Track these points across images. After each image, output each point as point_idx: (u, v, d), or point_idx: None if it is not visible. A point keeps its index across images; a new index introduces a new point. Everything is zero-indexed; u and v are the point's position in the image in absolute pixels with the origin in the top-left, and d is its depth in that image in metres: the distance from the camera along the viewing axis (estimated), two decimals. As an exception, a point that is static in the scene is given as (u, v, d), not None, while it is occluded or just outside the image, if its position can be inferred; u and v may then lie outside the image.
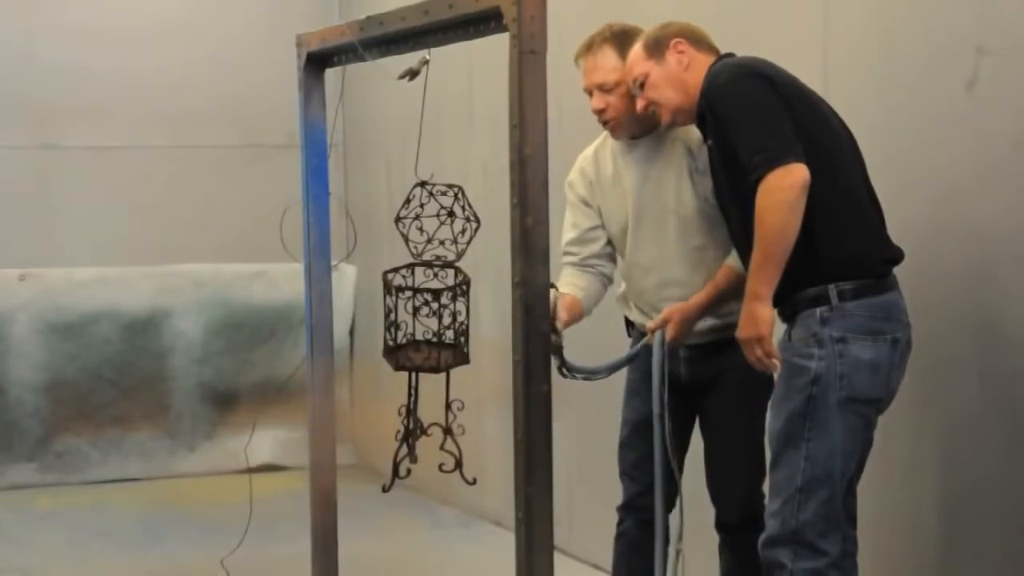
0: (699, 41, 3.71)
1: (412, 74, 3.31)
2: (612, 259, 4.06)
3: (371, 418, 7.81)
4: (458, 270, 3.26)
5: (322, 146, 3.66)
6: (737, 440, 3.95)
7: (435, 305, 3.19)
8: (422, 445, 3.30)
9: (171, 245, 7.96)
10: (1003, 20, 3.62)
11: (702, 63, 3.65)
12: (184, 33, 8.02)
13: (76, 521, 6.83)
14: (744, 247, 3.50)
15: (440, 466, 3.25)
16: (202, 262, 8.02)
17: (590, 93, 3.90)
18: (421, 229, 3.26)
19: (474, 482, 3.29)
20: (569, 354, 3.78)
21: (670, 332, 3.79)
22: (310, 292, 3.70)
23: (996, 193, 3.65)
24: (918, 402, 3.85)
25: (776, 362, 3.45)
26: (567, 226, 4.06)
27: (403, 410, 3.30)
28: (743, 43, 3.81)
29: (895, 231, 3.56)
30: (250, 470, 4.99)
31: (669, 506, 4.05)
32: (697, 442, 4.07)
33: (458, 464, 3.28)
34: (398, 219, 3.25)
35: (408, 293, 3.21)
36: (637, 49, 3.74)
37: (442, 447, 3.26)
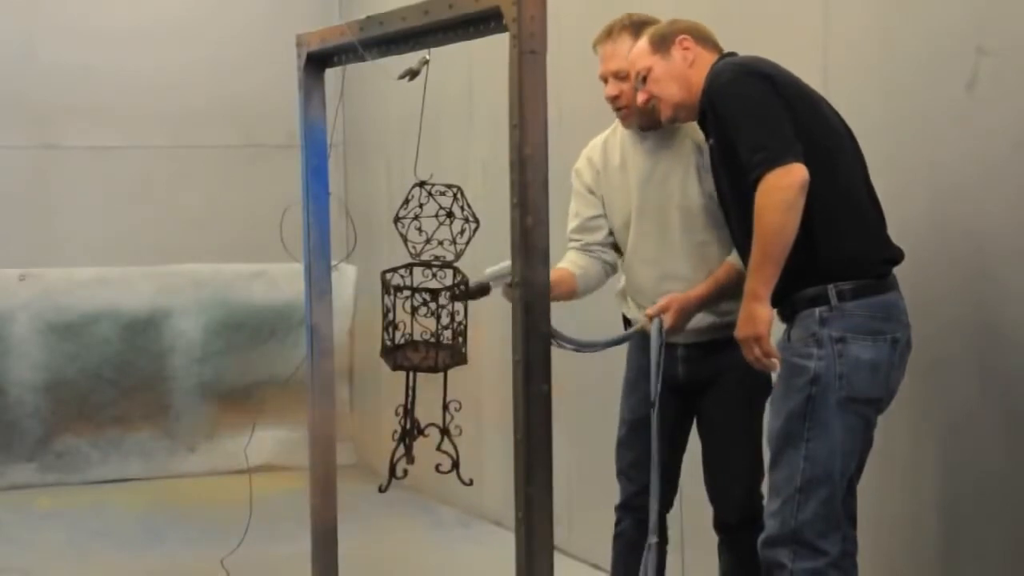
0: (704, 39, 3.72)
1: (412, 74, 3.31)
2: (615, 248, 4.05)
3: (371, 418, 7.82)
4: (456, 270, 3.26)
5: (322, 146, 3.66)
6: (735, 440, 3.94)
7: (433, 305, 3.19)
8: (420, 445, 3.30)
9: (171, 245, 7.96)
10: (1003, 20, 3.62)
11: (706, 61, 3.66)
12: (184, 33, 8.02)
13: (76, 521, 6.83)
14: (744, 246, 3.50)
15: (437, 467, 3.25)
16: (202, 262, 8.02)
17: (605, 80, 3.91)
18: (420, 229, 3.26)
19: (471, 483, 3.29)
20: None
21: (668, 320, 3.78)
22: (310, 292, 3.70)
23: (996, 193, 3.65)
24: (918, 402, 3.85)
25: (775, 361, 3.45)
26: (571, 214, 4.07)
27: (400, 410, 3.30)
28: (743, 43, 3.81)
29: (895, 231, 3.56)
30: (250, 470, 4.99)
31: (667, 505, 4.05)
32: (696, 443, 4.07)
33: (455, 465, 3.28)
34: (397, 219, 3.25)
35: (406, 293, 3.21)
36: (642, 43, 3.75)
37: (439, 448, 3.26)
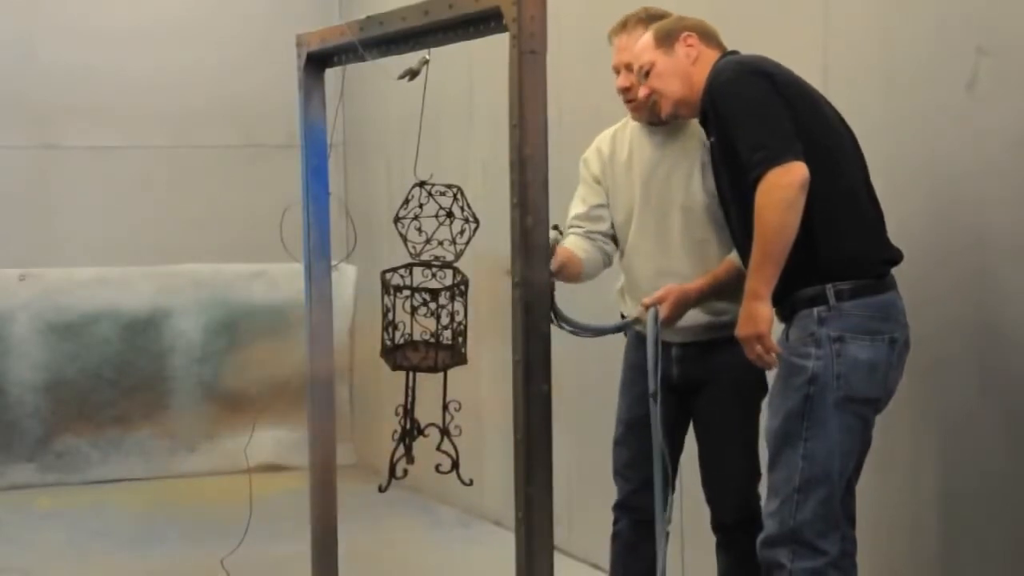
0: (709, 37, 3.73)
1: (412, 74, 3.31)
2: (615, 241, 4.06)
3: (371, 418, 7.82)
4: (456, 270, 3.26)
5: (322, 146, 3.67)
6: (731, 440, 3.94)
7: (433, 305, 3.19)
8: (420, 445, 3.30)
9: (171, 245, 7.96)
10: (1003, 20, 3.62)
11: (709, 59, 3.67)
12: (184, 33, 8.02)
13: (76, 521, 6.83)
14: (744, 245, 3.50)
15: (437, 467, 3.25)
16: (202, 262, 8.02)
17: (617, 71, 3.92)
18: (420, 229, 3.26)
19: (471, 483, 3.29)
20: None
21: (664, 310, 3.77)
22: (310, 292, 3.70)
23: (996, 192, 3.65)
24: (918, 402, 3.85)
25: (775, 356, 3.44)
26: (576, 201, 4.08)
27: (400, 410, 3.30)
28: (743, 43, 3.81)
29: (895, 230, 3.56)
30: (250, 470, 4.99)
31: (665, 506, 4.05)
32: (695, 443, 4.07)
33: (455, 465, 3.28)
34: (397, 219, 3.25)
35: (406, 293, 3.21)
36: (647, 37, 3.76)
37: (439, 448, 3.26)
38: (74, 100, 7.81)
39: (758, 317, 3.37)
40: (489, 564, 5.60)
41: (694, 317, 3.87)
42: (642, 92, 3.77)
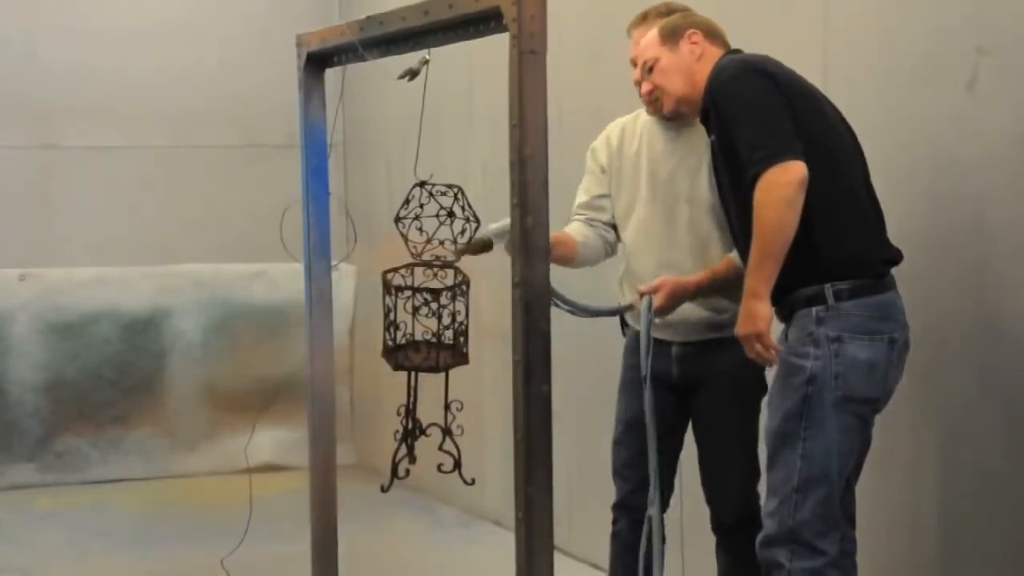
0: (714, 35, 3.74)
1: (412, 74, 3.31)
2: (615, 231, 4.06)
3: (371, 418, 7.82)
4: (457, 270, 3.26)
5: (322, 146, 3.66)
6: (729, 441, 3.94)
7: (434, 305, 3.20)
8: (421, 445, 3.30)
9: (171, 245, 7.96)
10: (1003, 20, 3.62)
11: (713, 56, 3.67)
12: (184, 33, 8.02)
13: (76, 521, 6.83)
14: (743, 243, 3.50)
15: (439, 466, 3.25)
16: (202, 262, 8.02)
17: (635, 64, 3.92)
18: (421, 229, 3.26)
19: (473, 482, 3.29)
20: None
21: (658, 299, 3.77)
22: (310, 292, 3.70)
23: (996, 192, 3.65)
24: (918, 402, 3.85)
25: (775, 354, 3.44)
26: (580, 190, 4.10)
27: (402, 410, 3.30)
28: (743, 43, 3.81)
29: (895, 230, 3.56)
30: (250, 470, 4.99)
31: (664, 506, 4.05)
32: (694, 443, 4.07)
33: (457, 464, 3.28)
34: (398, 219, 3.25)
35: (407, 293, 3.21)
36: (652, 33, 3.77)
37: (441, 447, 3.26)
38: (74, 100, 7.81)
39: (757, 316, 3.37)
40: (489, 564, 5.60)
41: (692, 313, 3.88)
42: (645, 88, 3.78)
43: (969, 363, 3.75)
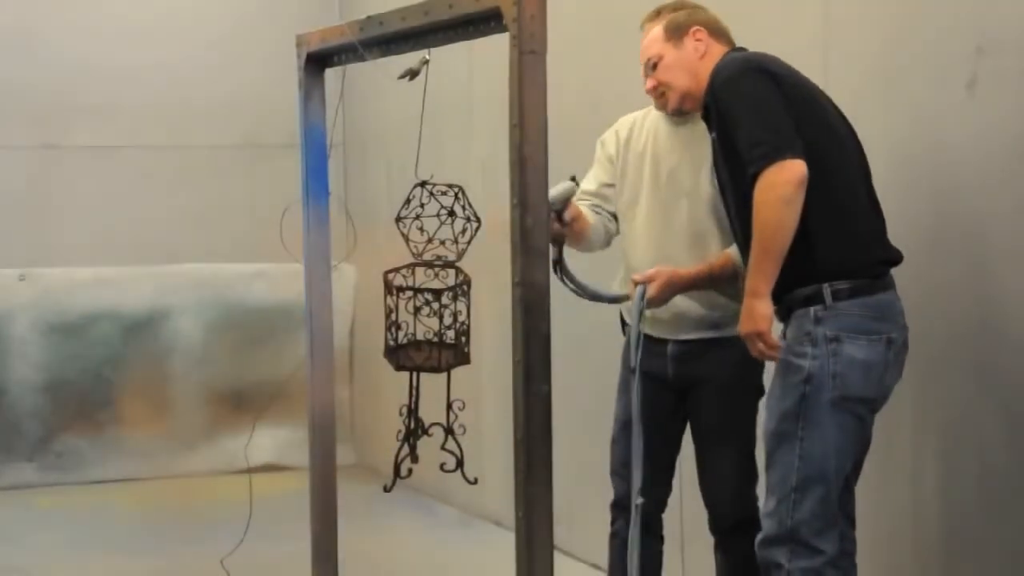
0: (719, 33, 3.75)
1: (412, 74, 3.31)
2: (618, 221, 4.07)
3: (371, 418, 7.81)
4: (459, 270, 3.27)
5: (322, 146, 3.66)
6: (726, 442, 3.94)
7: (436, 305, 3.20)
8: (422, 445, 3.30)
9: (171, 245, 7.96)
10: (1003, 20, 3.62)
11: (717, 54, 3.68)
12: (184, 33, 8.02)
13: (76, 521, 6.83)
14: (743, 240, 3.50)
15: (442, 466, 3.26)
16: (202, 262, 8.02)
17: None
18: (422, 229, 3.26)
19: (475, 482, 3.29)
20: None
21: (651, 289, 3.77)
22: (310, 292, 3.70)
23: (996, 193, 3.65)
24: (918, 402, 3.86)
25: (778, 352, 3.44)
26: (588, 179, 4.11)
27: (404, 410, 3.30)
28: (743, 42, 3.81)
29: (895, 230, 3.56)
30: (250, 470, 4.98)
31: (662, 505, 4.06)
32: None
33: (459, 464, 3.28)
34: (398, 219, 3.25)
35: (409, 293, 3.21)
36: (657, 29, 3.78)
37: (443, 447, 3.26)
38: (74, 100, 7.81)
39: (757, 314, 3.37)
40: (489, 564, 5.59)
41: (691, 309, 3.88)
42: (649, 84, 3.79)
43: (969, 363, 3.75)
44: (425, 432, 3.28)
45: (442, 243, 3.27)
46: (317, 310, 3.70)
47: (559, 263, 3.87)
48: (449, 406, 3.26)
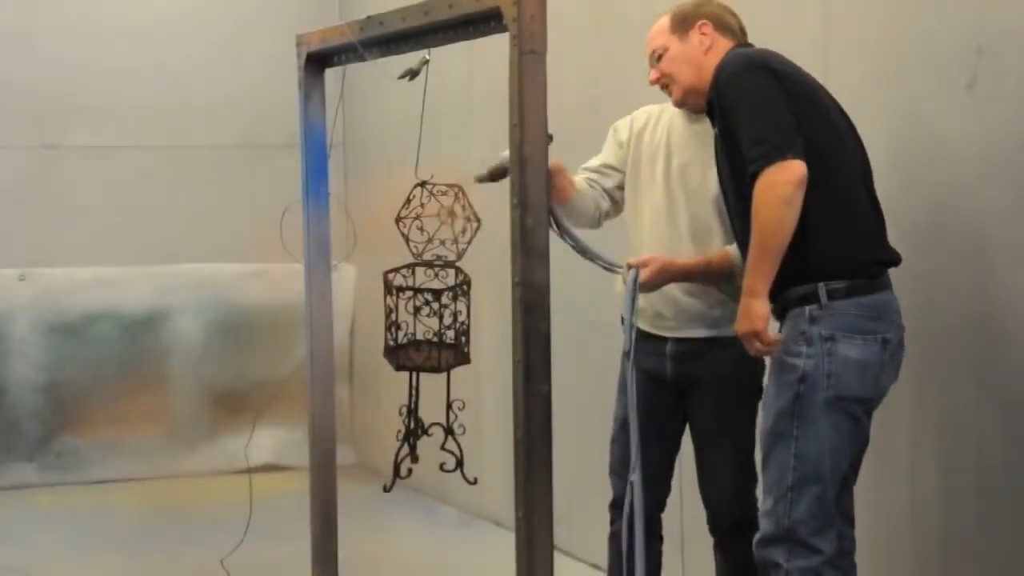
0: (725, 27, 3.73)
1: (412, 74, 3.31)
2: (613, 201, 4.05)
3: (371, 418, 7.81)
4: (459, 270, 3.27)
5: (322, 146, 3.67)
6: (725, 442, 3.94)
7: (436, 305, 3.20)
8: (422, 445, 3.30)
9: (171, 245, 7.96)
10: (1003, 20, 3.62)
11: (722, 49, 3.66)
12: (183, 33, 8.02)
13: (76, 521, 6.83)
14: (742, 236, 3.50)
15: (441, 465, 3.26)
16: (202, 262, 8.02)
17: None
18: (422, 229, 3.26)
19: (475, 482, 3.29)
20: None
21: (644, 274, 3.73)
22: (310, 292, 3.70)
23: (996, 193, 3.65)
24: (917, 402, 3.86)
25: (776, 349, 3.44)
26: (593, 158, 4.09)
27: (404, 410, 3.30)
28: (743, 43, 3.81)
29: (895, 230, 3.56)
30: (250, 470, 4.99)
31: (661, 505, 4.05)
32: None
33: (459, 464, 3.29)
34: (398, 219, 3.25)
35: (409, 293, 3.21)
36: (663, 20, 3.77)
37: (443, 447, 3.27)
38: (74, 100, 7.81)
39: (754, 314, 3.36)
40: (489, 564, 5.59)
41: (691, 306, 3.87)
42: (652, 75, 3.78)
43: (969, 363, 3.75)
44: (425, 432, 3.29)
45: (442, 243, 3.27)
46: (317, 310, 3.70)
47: (552, 215, 3.76)
48: (449, 406, 3.27)
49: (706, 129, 3.86)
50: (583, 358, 5.39)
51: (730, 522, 3.94)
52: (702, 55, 3.69)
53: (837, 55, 4.20)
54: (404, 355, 3.27)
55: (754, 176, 3.33)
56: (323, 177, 3.67)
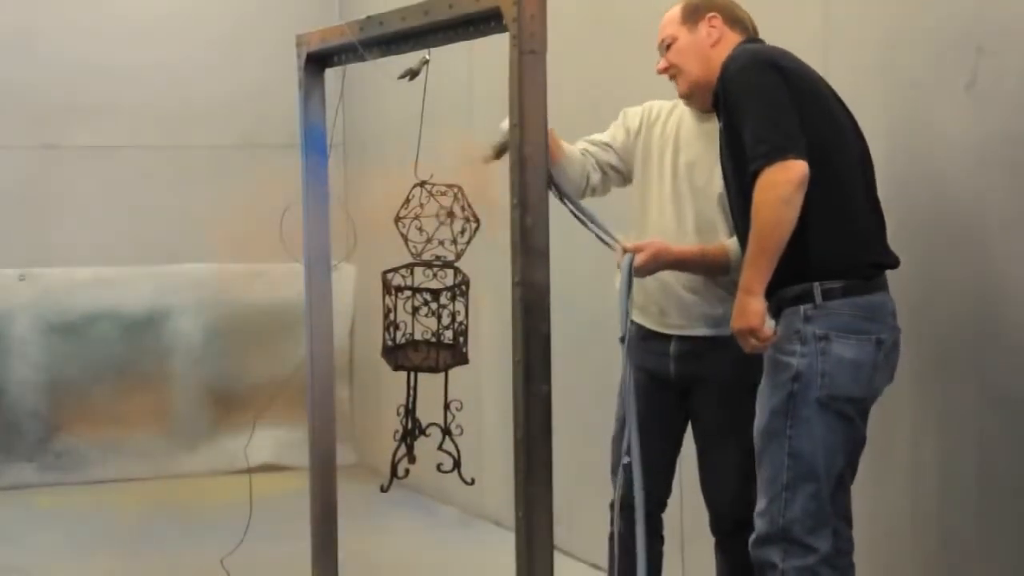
0: (735, 21, 3.73)
1: (412, 74, 3.31)
2: (604, 175, 4.03)
3: (371, 418, 7.81)
4: (457, 270, 3.27)
5: (322, 146, 3.66)
6: (726, 443, 3.93)
7: (434, 305, 3.20)
8: (421, 445, 3.30)
9: (171, 245, 7.95)
10: (1003, 20, 3.62)
11: (731, 42, 3.66)
12: (184, 33, 8.02)
13: (76, 521, 6.83)
14: (742, 230, 3.50)
15: (439, 466, 3.26)
16: (202, 262, 8.02)
17: None
18: (421, 229, 3.26)
19: (472, 482, 3.29)
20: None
21: (639, 258, 3.72)
22: (310, 292, 3.70)
23: (996, 193, 3.65)
24: (917, 402, 3.85)
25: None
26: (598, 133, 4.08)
27: (401, 410, 3.30)
28: (743, 43, 3.81)
29: (894, 231, 3.56)
30: (250, 470, 4.98)
31: (662, 505, 4.05)
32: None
33: (456, 464, 3.28)
34: (398, 219, 3.25)
35: (407, 293, 3.21)
36: (674, 10, 3.77)
37: (440, 447, 3.27)
38: (74, 100, 7.80)
39: (750, 311, 3.36)
40: (489, 564, 5.59)
41: (690, 300, 3.87)
42: (661, 64, 3.78)
43: (969, 364, 3.75)
44: (422, 432, 3.29)
45: (441, 243, 3.27)
46: (317, 310, 3.70)
47: (554, 184, 3.74)
48: (446, 406, 3.27)
49: (715, 128, 3.86)
50: (583, 358, 5.39)
51: (732, 522, 3.94)
52: (709, 47, 3.68)
53: (837, 55, 4.20)
54: (402, 355, 3.27)
55: (755, 175, 3.33)
56: (323, 177, 3.67)
